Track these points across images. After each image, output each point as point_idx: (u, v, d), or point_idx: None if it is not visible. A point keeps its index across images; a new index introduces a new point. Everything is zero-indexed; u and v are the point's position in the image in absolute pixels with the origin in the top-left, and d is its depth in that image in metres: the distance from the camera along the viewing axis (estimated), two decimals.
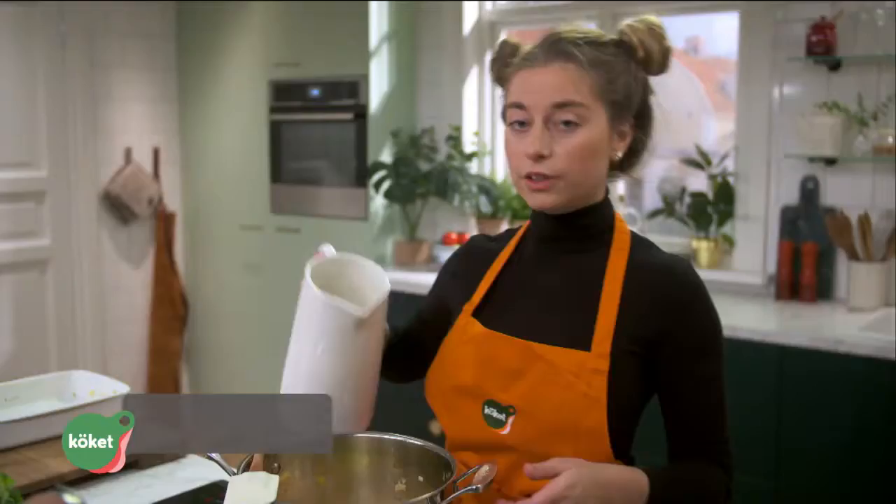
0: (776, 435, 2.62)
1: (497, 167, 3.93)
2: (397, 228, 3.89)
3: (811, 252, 3.01)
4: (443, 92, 3.92)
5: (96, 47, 4.19)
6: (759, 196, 3.21)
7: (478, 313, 1.31)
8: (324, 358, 1.23)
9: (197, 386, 4.62)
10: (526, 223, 1.37)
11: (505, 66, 1.28)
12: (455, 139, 3.81)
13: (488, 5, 3.92)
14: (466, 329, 1.29)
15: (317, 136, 3.99)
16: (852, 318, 2.78)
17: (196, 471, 1.59)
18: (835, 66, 2.98)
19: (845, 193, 3.03)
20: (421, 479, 1.20)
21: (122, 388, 1.75)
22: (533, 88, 1.21)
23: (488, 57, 1.38)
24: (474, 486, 1.06)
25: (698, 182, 3.49)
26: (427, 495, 1.06)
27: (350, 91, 3.82)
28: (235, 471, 1.12)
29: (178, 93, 4.52)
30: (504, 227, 3.48)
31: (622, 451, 1.21)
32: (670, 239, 3.48)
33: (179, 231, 4.58)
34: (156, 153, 4.45)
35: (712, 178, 3.30)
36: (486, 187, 3.74)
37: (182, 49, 4.49)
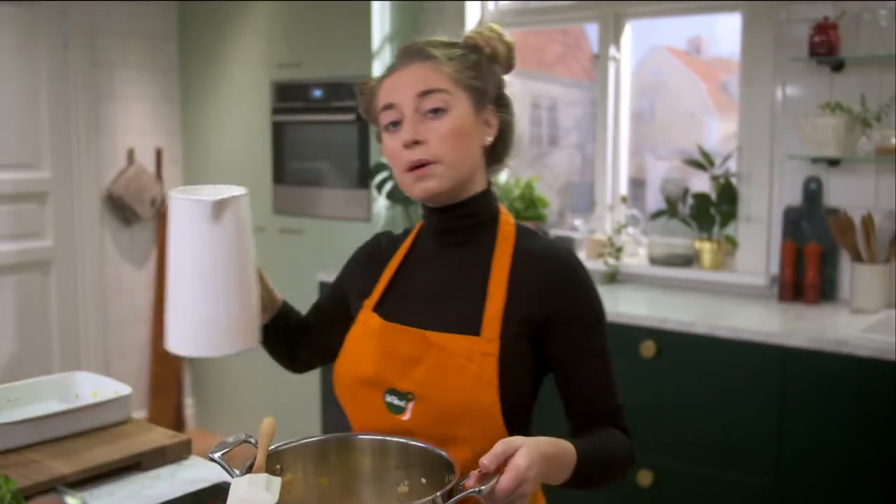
0: (778, 436, 2.62)
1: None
2: (399, 229, 3.88)
3: (814, 253, 3.01)
4: None
5: (99, 47, 4.19)
6: (762, 197, 3.21)
7: (378, 308, 1.39)
8: (186, 255, 1.26)
9: (199, 387, 4.63)
10: (419, 223, 1.47)
11: (371, 97, 1.38)
12: None
13: (490, 6, 3.92)
14: (368, 323, 1.38)
15: (319, 138, 3.99)
16: (855, 319, 2.78)
17: (198, 472, 1.59)
18: (838, 66, 2.98)
19: (848, 194, 3.03)
20: (423, 480, 1.20)
21: (125, 390, 1.75)
22: (397, 87, 1.32)
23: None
24: (478, 489, 1.06)
25: (701, 183, 3.49)
26: (430, 497, 1.06)
27: (352, 92, 3.81)
28: (238, 473, 1.12)
29: (180, 93, 4.53)
30: None
31: (519, 429, 1.27)
32: (673, 240, 3.47)
33: None
34: (158, 154, 4.45)
35: (715, 178, 3.30)
36: None
37: (184, 49, 4.49)
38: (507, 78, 1.41)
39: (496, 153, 1.41)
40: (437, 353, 1.28)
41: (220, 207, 1.25)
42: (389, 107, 1.32)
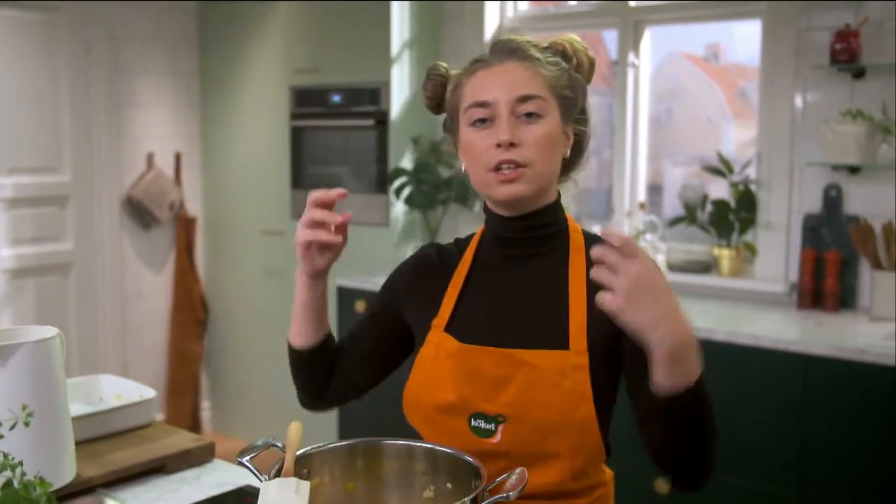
0: (800, 444, 2.61)
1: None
2: (418, 235, 3.90)
3: (834, 260, 2.99)
4: None
5: (120, 53, 4.22)
6: (782, 204, 3.20)
7: (448, 328, 1.32)
8: None
9: (216, 390, 4.65)
10: (478, 232, 1.40)
11: (439, 84, 1.35)
12: None
13: (510, 12, 3.93)
14: (442, 346, 1.30)
15: (338, 143, 4.01)
16: (875, 327, 2.77)
17: (223, 475, 1.60)
18: (859, 73, 2.97)
19: (869, 202, 3.02)
20: (449, 486, 1.20)
21: (149, 393, 1.77)
22: (494, 85, 1.27)
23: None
24: (505, 495, 1.06)
25: (719, 189, 3.48)
26: (457, 503, 1.06)
27: (371, 97, 3.83)
28: (266, 477, 1.13)
29: (200, 98, 4.55)
30: None
31: (604, 439, 1.25)
32: (692, 247, 3.46)
33: (200, 236, 4.61)
34: (177, 158, 4.48)
35: (734, 185, 3.29)
36: None
37: (204, 55, 4.52)
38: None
39: (567, 165, 1.37)
40: (527, 371, 1.23)
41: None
42: (482, 104, 1.27)
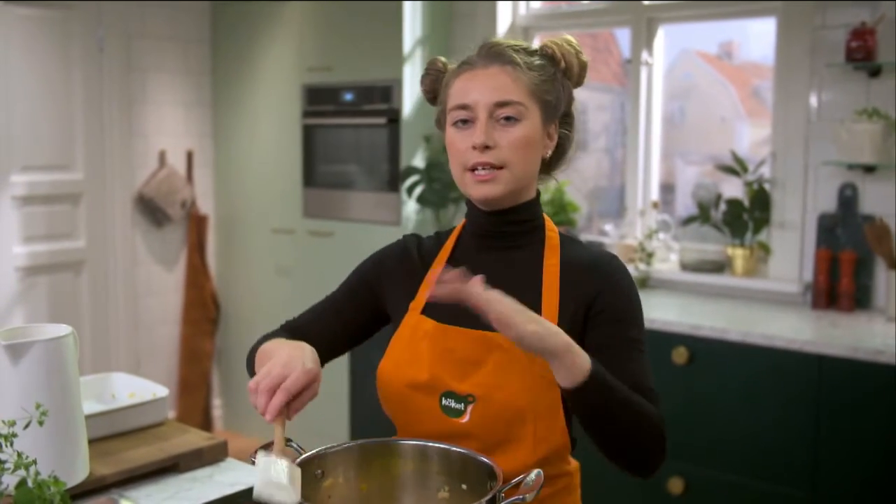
0: (814, 445, 2.59)
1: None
2: (430, 233, 3.88)
3: (849, 260, 2.97)
4: None
5: (133, 51, 4.23)
6: (796, 203, 3.18)
7: (424, 311, 1.38)
8: None
9: (227, 388, 4.65)
10: (459, 225, 1.47)
11: (437, 78, 1.42)
12: None
13: (522, 9, 3.92)
14: (419, 326, 1.36)
15: (349, 141, 4.01)
16: (891, 327, 2.74)
17: (235, 475, 1.60)
18: (875, 72, 2.95)
19: (884, 201, 2.99)
20: (464, 486, 1.19)
21: (162, 392, 1.77)
22: (475, 89, 1.33)
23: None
24: (521, 496, 1.06)
25: (732, 188, 3.46)
26: None
27: (383, 95, 3.82)
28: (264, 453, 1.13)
29: (212, 96, 4.56)
30: None
31: (569, 426, 1.31)
32: (705, 246, 3.45)
33: (212, 234, 4.62)
34: (189, 156, 4.48)
35: (748, 184, 3.27)
36: None
37: (216, 53, 4.52)
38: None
39: (549, 165, 1.43)
40: (500, 354, 1.28)
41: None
42: (463, 107, 1.33)
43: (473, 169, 1.32)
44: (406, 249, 1.49)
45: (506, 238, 1.39)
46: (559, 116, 1.39)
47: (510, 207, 1.37)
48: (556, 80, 1.37)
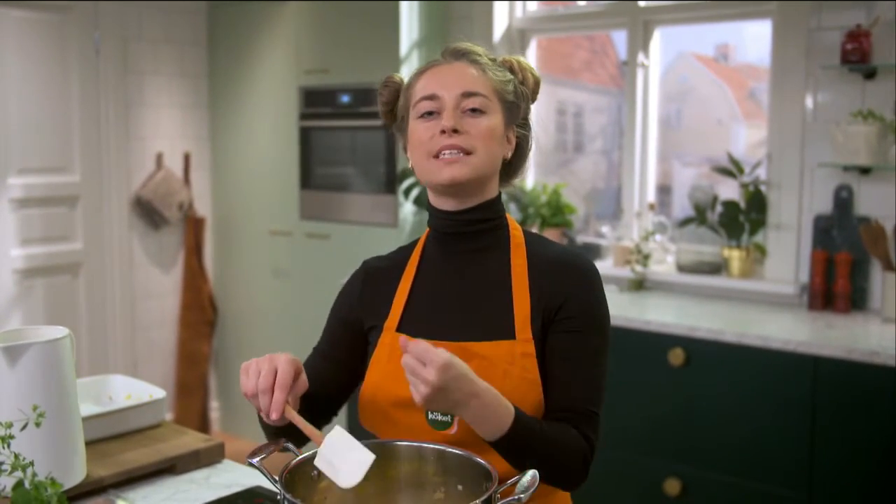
0: (810, 446, 2.60)
1: (526, 175, 3.92)
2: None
3: (845, 262, 2.98)
4: None
5: (129, 54, 4.23)
6: (792, 205, 3.19)
7: (399, 328, 1.38)
8: None
9: (225, 390, 4.65)
10: (422, 236, 1.46)
11: (395, 90, 1.43)
12: None
13: (518, 11, 3.92)
14: (395, 344, 1.34)
15: (346, 143, 4.01)
16: (887, 329, 2.75)
17: (233, 476, 1.60)
18: (870, 74, 2.96)
19: (880, 203, 3.00)
20: (460, 487, 1.19)
21: (159, 394, 1.77)
22: (443, 80, 1.35)
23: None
24: (516, 497, 1.06)
25: (728, 190, 3.46)
26: None
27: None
28: (277, 478, 1.12)
29: (209, 99, 4.56)
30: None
31: None
32: (701, 247, 3.45)
33: (209, 236, 4.62)
34: (186, 159, 4.48)
35: (744, 186, 3.28)
36: (516, 195, 3.74)
37: (213, 56, 4.52)
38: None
39: (509, 170, 1.46)
40: (479, 362, 1.28)
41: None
42: (431, 97, 1.35)
43: (438, 155, 1.33)
44: (368, 273, 1.47)
45: (470, 239, 1.39)
46: (518, 122, 1.42)
47: (473, 206, 1.37)
48: (516, 85, 1.41)
